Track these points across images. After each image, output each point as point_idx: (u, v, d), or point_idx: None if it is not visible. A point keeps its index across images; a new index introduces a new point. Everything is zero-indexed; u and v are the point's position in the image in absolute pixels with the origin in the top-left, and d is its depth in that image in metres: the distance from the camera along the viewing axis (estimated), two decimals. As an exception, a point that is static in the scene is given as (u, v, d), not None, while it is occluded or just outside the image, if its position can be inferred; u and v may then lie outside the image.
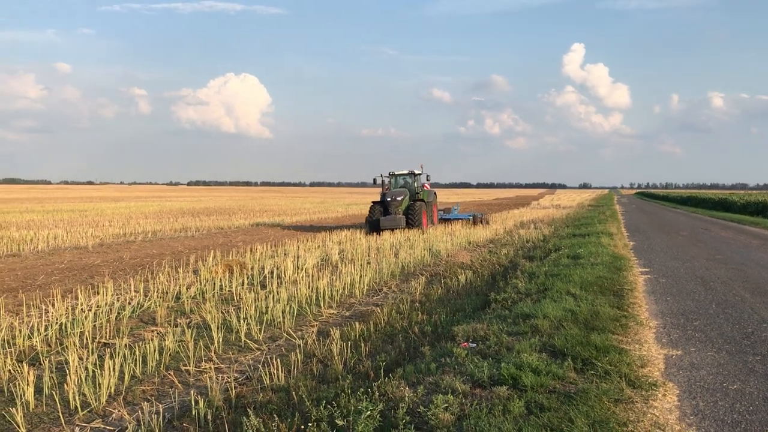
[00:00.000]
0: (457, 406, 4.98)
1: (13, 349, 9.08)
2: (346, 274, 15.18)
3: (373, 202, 30.68)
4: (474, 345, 7.31)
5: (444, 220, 34.69)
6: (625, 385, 5.84)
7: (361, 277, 14.90)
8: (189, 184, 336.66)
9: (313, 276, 15.19)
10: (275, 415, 5.48)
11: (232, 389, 6.71)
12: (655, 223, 35.78)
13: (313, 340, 9.11)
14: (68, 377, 7.31)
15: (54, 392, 7.11)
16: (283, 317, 10.99)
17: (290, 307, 11.81)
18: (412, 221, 28.65)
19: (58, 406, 6.80)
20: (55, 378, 7.66)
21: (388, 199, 29.35)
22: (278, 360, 7.72)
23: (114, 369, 7.75)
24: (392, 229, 28.13)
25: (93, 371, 7.66)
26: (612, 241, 20.12)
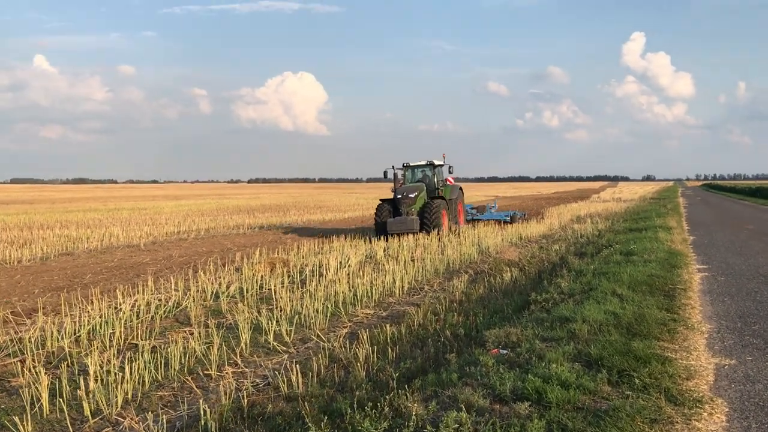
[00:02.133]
0: (470, 426, 4.49)
1: (41, 351, 9.01)
2: (388, 272, 14.77)
3: (381, 200, 25.39)
4: (505, 352, 6.79)
5: (474, 221, 29.92)
6: (665, 401, 5.19)
7: (403, 275, 14.46)
8: (249, 181, 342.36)
9: (354, 274, 14.83)
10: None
11: (244, 398, 6.39)
12: (719, 216, 34.12)
13: (341, 343, 8.73)
14: (87, 382, 7.15)
15: (71, 397, 6.94)
16: (317, 318, 10.66)
17: (325, 306, 11.48)
18: (428, 223, 23.63)
19: (67, 414, 6.60)
20: (77, 381, 7.49)
21: (399, 196, 24.15)
22: (297, 366, 7.35)
23: (134, 373, 7.56)
24: (402, 234, 23.01)
25: (115, 375, 7.47)
26: (670, 236, 19.08)
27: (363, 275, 14.43)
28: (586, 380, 5.42)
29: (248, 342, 9.27)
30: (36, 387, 7.01)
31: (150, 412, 6.68)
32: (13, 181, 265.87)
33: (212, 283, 14.10)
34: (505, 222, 29.13)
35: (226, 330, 10.19)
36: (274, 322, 10.06)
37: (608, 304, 8.52)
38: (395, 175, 26.32)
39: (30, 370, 7.98)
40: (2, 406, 6.94)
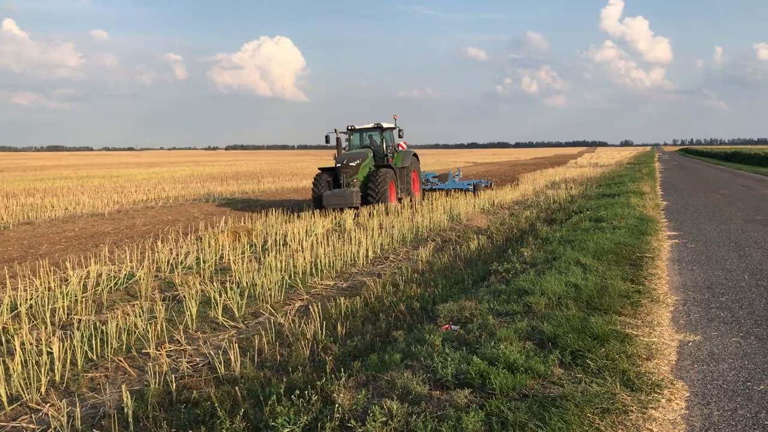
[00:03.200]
0: (401, 419, 4.05)
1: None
2: (355, 240, 14.30)
3: (320, 168, 22.33)
4: (456, 328, 6.36)
5: (432, 191, 27.70)
6: (620, 387, 4.75)
7: (369, 244, 14.00)
8: (227, 148, 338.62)
9: (319, 243, 14.34)
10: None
11: (172, 382, 5.90)
12: (693, 181, 33.98)
13: (291, 318, 8.26)
14: (12, 364, 6.64)
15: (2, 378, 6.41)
16: (274, 290, 10.18)
17: (283, 278, 11.01)
18: (373, 195, 20.85)
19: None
20: (5, 363, 6.97)
21: (338, 164, 21.23)
22: (236, 345, 6.88)
23: (68, 352, 7.07)
24: (341, 209, 20.42)
25: (45, 355, 6.96)
26: (642, 202, 18.74)
27: (328, 245, 13.95)
28: (535, 362, 4.98)
29: (195, 317, 8.78)
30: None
31: (77, 397, 6.23)
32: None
33: (170, 254, 13.55)
34: (467, 191, 27.05)
35: (177, 304, 9.71)
36: (227, 295, 9.57)
37: (570, 274, 8.10)
38: (338, 140, 22.97)
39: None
40: None
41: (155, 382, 6.01)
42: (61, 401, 6.07)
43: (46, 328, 8.52)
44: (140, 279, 11.39)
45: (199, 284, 10.58)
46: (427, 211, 19.82)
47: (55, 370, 6.68)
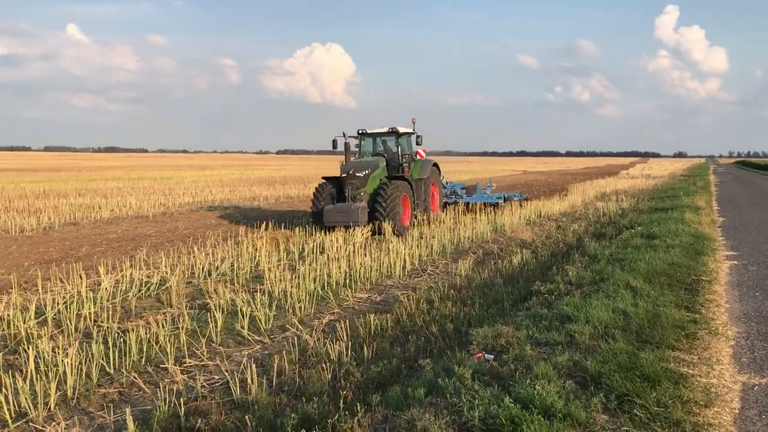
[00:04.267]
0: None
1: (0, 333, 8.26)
2: (392, 251, 13.82)
3: (324, 178, 18.98)
4: (490, 357, 5.82)
5: (455, 204, 24.02)
6: (673, 441, 4.14)
7: (407, 255, 13.51)
8: (278, 152, 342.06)
9: (356, 252, 13.91)
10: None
11: (180, 405, 5.52)
12: (752, 196, 32.41)
13: (318, 335, 7.82)
14: (22, 375, 6.37)
15: (10, 393, 6.14)
16: (305, 302, 9.77)
17: (316, 289, 10.60)
18: (381, 212, 17.02)
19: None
20: (15, 374, 6.72)
21: (344, 174, 17.79)
22: (254, 365, 6.46)
23: (84, 364, 6.78)
24: (345, 227, 17.03)
25: (57, 367, 6.69)
26: (697, 217, 17.73)
27: (366, 254, 13.51)
28: (576, 407, 4.39)
29: (220, 329, 8.44)
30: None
31: (86, 415, 5.91)
32: (47, 149, 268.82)
33: (206, 259, 13.29)
34: (496, 205, 23.93)
35: (205, 313, 9.36)
36: (257, 305, 9.20)
37: (619, 299, 7.45)
38: (347, 145, 19.22)
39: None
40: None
41: (164, 404, 5.64)
42: (68, 420, 5.77)
43: (69, 336, 8.30)
44: (172, 286, 11.14)
45: (229, 293, 10.27)
46: (470, 221, 19.21)
47: (68, 385, 6.39)
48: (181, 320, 8.67)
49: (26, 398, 5.91)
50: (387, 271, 12.49)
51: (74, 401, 6.21)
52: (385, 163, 19.15)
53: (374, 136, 20.39)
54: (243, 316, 8.72)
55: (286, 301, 9.83)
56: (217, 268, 12.70)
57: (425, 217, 19.62)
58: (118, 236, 18.41)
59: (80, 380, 6.62)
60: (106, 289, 10.43)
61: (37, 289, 10.56)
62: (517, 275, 11.32)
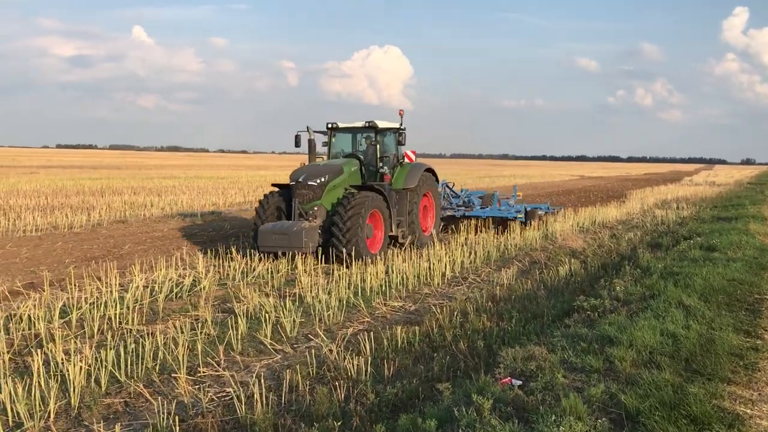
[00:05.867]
0: None
1: (21, 333, 8.07)
2: (435, 256, 13.27)
3: (274, 185, 14.95)
4: (518, 383, 5.24)
5: (465, 218, 19.27)
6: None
7: (449, 261, 12.93)
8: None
9: (397, 256, 13.41)
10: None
11: (176, 425, 5.12)
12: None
13: (338, 350, 7.33)
14: (33, 380, 6.11)
15: (7, 400, 5.89)
16: (334, 309, 9.32)
17: (348, 296, 10.15)
18: (337, 236, 12.92)
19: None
20: (25, 378, 6.47)
21: (292, 182, 13.81)
22: (263, 381, 6.03)
23: (93, 371, 6.50)
24: (283, 253, 13.02)
25: (64, 373, 6.42)
26: (763, 228, 16.54)
27: (406, 259, 13.00)
28: (606, 454, 3.78)
29: (242, 336, 8.07)
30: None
31: (83, 428, 5.59)
32: (111, 147, 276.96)
33: (242, 261, 13.00)
34: (514, 221, 19.06)
35: (232, 317, 8.98)
36: (285, 312, 8.80)
37: (669, 320, 6.72)
38: (311, 143, 15.50)
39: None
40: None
41: (162, 421, 5.26)
42: (63, 433, 5.46)
43: (88, 338, 8.07)
44: (203, 288, 10.88)
45: (258, 297, 9.92)
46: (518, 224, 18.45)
47: (75, 393, 6.09)
48: (205, 325, 8.36)
49: (24, 407, 5.62)
50: (425, 279, 11.96)
51: (75, 412, 5.91)
52: (356, 168, 14.78)
53: (347, 131, 16.01)
54: (267, 323, 8.33)
55: (315, 308, 9.41)
56: (254, 269, 12.40)
57: (412, 240, 15.08)
58: (163, 234, 18.39)
59: (88, 388, 6.34)
60: (137, 288, 10.24)
61: (70, 288, 10.44)
62: (563, 287, 10.63)
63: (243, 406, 5.62)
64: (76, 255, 14.63)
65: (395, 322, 8.94)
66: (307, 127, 15.54)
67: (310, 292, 10.21)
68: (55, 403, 5.83)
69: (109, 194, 30.73)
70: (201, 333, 8.00)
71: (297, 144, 15.54)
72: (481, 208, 19.87)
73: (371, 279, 11.17)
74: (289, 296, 10.21)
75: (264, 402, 5.67)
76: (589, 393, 4.80)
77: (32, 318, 8.35)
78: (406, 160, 15.99)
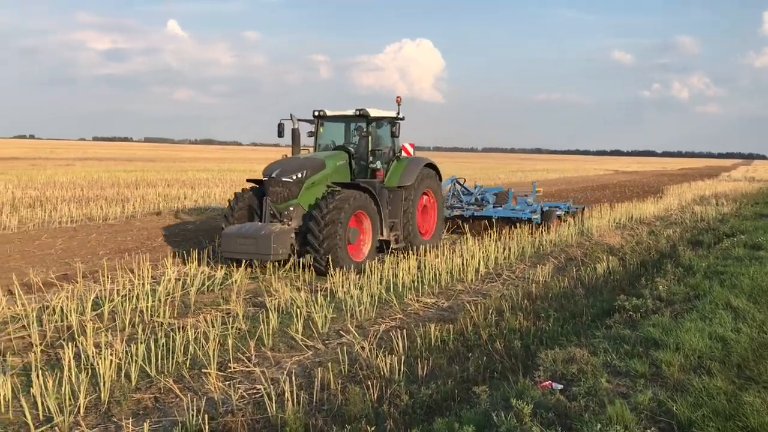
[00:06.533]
0: None
1: (54, 325, 8.06)
2: (467, 252, 13.03)
3: (249, 181, 13.26)
4: (559, 387, 5.01)
5: (475, 219, 17.23)
6: None
7: (483, 257, 12.68)
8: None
9: (431, 252, 13.21)
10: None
11: (205, 423, 5.01)
12: None
13: (370, 347, 7.17)
14: (64, 373, 6.07)
15: (37, 394, 5.84)
16: (366, 305, 9.17)
17: (380, 291, 10.00)
18: (313, 243, 11.32)
19: (11, 417, 5.52)
20: (56, 371, 6.42)
21: (264, 178, 12.20)
22: (294, 379, 5.89)
23: (123, 365, 6.44)
24: (247, 260, 11.68)
25: (93, 368, 6.37)
26: (812, 226, 16.00)
27: (438, 254, 12.78)
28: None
29: (275, 331, 7.96)
30: (10, 376, 6.00)
31: (112, 424, 5.52)
32: (146, 140, 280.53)
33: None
34: (529, 221, 17.10)
35: (263, 311, 8.87)
36: (316, 307, 8.67)
37: (717, 322, 6.42)
38: (295, 132, 13.70)
39: (13, 354, 7.07)
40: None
41: (191, 419, 5.16)
42: (92, 428, 5.39)
43: (119, 331, 8.04)
44: (235, 282, 10.82)
45: (290, 292, 9.82)
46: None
47: (105, 387, 6.03)
48: (234, 319, 8.28)
49: (54, 401, 5.56)
50: (459, 275, 11.74)
51: (105, 407, 5.84)
52: (344, 162, 13.11)
53: (338, 120, 14.19)
54: (298, 319, 8.21)
55: (347, 304, 9.27)
56: (285, 263, 12.30)
57: (408, 245, 13.43)
58: (196, 227, 18.43)
59: (118, 382, 6.28)
60: (169, 280, 10.21)
61: (103, 280, 10.46)
62: (601, 286, 10.33)
63: (273, 404, 5.49)
64: (109, 247, 14.70)
65: (428, 320, 8.77)
66: (291, 115, 13.66)
67: (342, 287, 10.08)
68: (85, 398, 5.77)
69: (143, 186, 30.99)
70: (232, 327, 7.92)
71: (280, 134, 13.70)
72: (494, 207, 18.03)
73: (403, 274, 11.01)
74: (321, 291, 10.09)
75: (295, 401, 5.53)
76: (635, 400, 4.56)
77: (65, 310, 8.34)
78: (404, 153, 14.34)
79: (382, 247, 13.15)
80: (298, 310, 8.45)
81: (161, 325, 8.22)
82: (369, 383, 5.89)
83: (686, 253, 11.96)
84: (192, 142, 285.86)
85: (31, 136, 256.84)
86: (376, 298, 9.67)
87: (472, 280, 11.54)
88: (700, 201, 27.92)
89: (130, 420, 5.44)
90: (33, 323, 7.76)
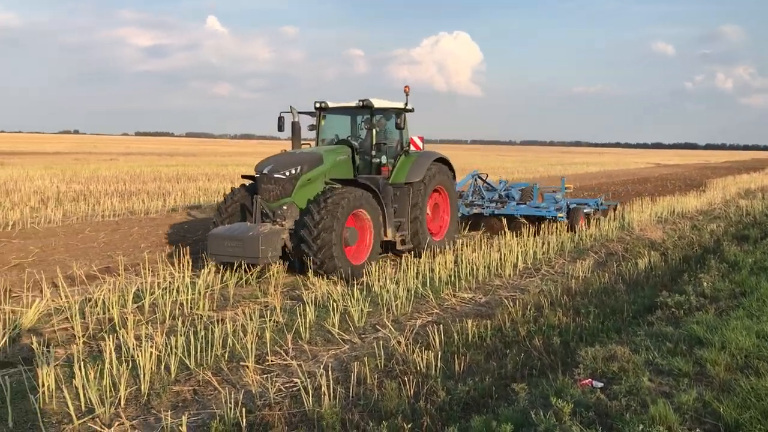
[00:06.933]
0: None
1: (96, 317, 8.22)
2: (505, 246, 12.91)
3: (244, 177, 12.59)
4: (599, 385, 4.91)
5: (494, 217, 16.36)
6: None
7: (521, 251, 12.54)
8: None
9: (468, 246, 13.11)
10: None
11: (242, 417, 5.04)
12: None
13: (408, 342, 7.15)
14: (105, 365, 6.18)
15: (80, 385, 5.95)
16: (402, 299, 9.14)
17: (417, 285, 9.96)
18: (306, 242, 10.38)
19: (55, 408, 5.64)
20: (100, 364, 6.54)
21: (256, 175, 11.43)
22: (330, 373, 5.89)
23: (164, 357, 6.52)
24: (238, 264, 10.54)
25: (132, 361, 6.47)
26: None
27: (476, 248, 12.68)
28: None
29: (311, 324, 7.99)
30: (54, 367, 6.13)
31: (151, 416, 5.60)
32: (188, 135, 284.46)
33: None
34: (552, 221, 15.76)
35: (301, 305, 8.91)
36: (353, 301, 8.68)
37: (765, 320, 6.23)
38: (295, 126, 12.89)
39: (57, 345, 7.22)
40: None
41: (229, 411, 5.20)
42: (132, 420, 5.47)
43: (159, 323, 8.16)
44: (273, 275, 10.89)
45: (327, 285, 9.85)
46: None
47: (144, 379, 6.12)
48: (272, 312, 8.33)
49: (95, 392, 5.66)
50: (496, 269, 11.63)
51: (145, 399, 5.93)
52: (346, 157, 12.13)
53: (341, 112, 13.30)
54: (335, 312, 8.23)
55: (383, 298, 9.26)
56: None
57: (416, 247, 12.53)
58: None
59: (158, 374, 6.37)
60: (209, 273, 10.32)
61: (144, 273, 10.64)
62: (642, 281, 10.13)
63: (310, 398, 5.50)
64: (151, 240, 14.94)
65: (465, 315, 8.71)
66: (291, 107, 12.81)
67: (378, 281, 10.07)
68: (126, 390, 5.86)
69: (184, 181, 31.42)
70: (270, 320, 7.97)
71: (280, 128, 12.95)
72: (518, 204, 16.68)
73: (440, 269, 10.94)
74: (357, 285, 10.10)
75: (331, 395, 5.54)
76: (679, 400, 4.45)
77: (106, 302, 8.49)
78: (413, 146, 13.43)
79: (387, 247, 12.38)
80: (335, 304, 8.47)
81: (200, 318, 8.32)
82: (405, 378, 5.87)
83: (731, 249, 11.65)
84: (232, 137, 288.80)
85: (75, 132, 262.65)
86: (413, 292, 9.64)
87: (510, 275, 11.43)
88: (746, 194, 27.21)
89: (169, 412, 5.51)
90: (76, 315, 7.93)
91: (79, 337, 7.22)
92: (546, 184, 20.16)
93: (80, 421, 5.38)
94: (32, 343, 6.91)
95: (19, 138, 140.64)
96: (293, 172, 11.06)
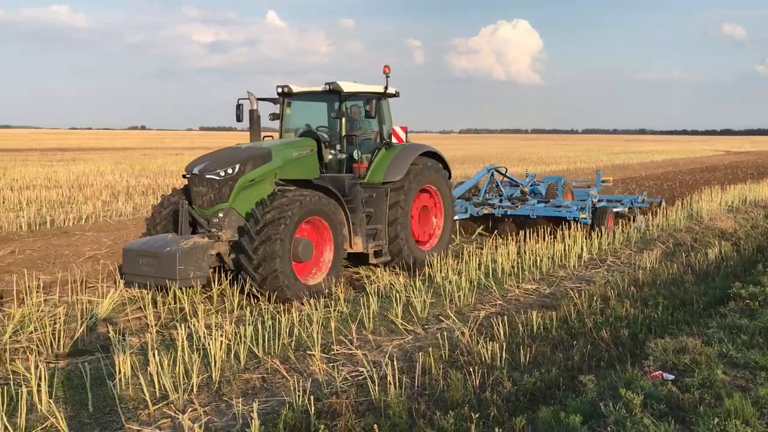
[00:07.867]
0: None
1: (167, 307, 8.50)
2: (570, 237, 12.69)
3: (185, 176, 9.44)
4: (670, 378, 4.81)
5: (507, 218, 14.25)
6: None
7: (586, 242, 12.32)
8: (460, 132, 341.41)
9: (531, 237, 12.94)
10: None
11: (311, 404, 5.13)
12: None
13: (472, 333, 7.14)
14: (177, 353, 6.40)
15: (154, 372, 6.18)
16: (465, 290, 9.12)
17: (479, 276, 9.93)
18: (245, 258, 8.50)
19: (131, 394, 5.87)
20: (173, 352, 6.77)
21: (187, 175, 9.33)
22: (395, 362, 5.94)
23: (234, 346, 6.71)
24: (149, 285, 8.77)
25: (204, 348, 6.67)
26: None
27: (539, 239, 12.52)
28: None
29: (375, 315, 8.06)
30: (130, 355, 6.39)
31: (223, 403, 5.77)
32: (250, 129, 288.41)
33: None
34: (576, 221, 13.43)
35: (365, 296, 8.99)
36: (416, 292, 8.72)
37: None
38: (253, 114, 10.80)
39: (131, 334, 7.52)
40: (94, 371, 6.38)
41: (298, 399, 5.31)
42: (205, 406, 5.65)
43: (230, 312, 8.37)
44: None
45: (389, 276, 9.93)
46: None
47: (215, 367, 6.31)
48: (336, 303, 8.45)
49: (169, 379, 5.88)
50: (560, 261, 11.47)
51: (216, 386, 6.11)
52: (308, 152, 9.99)
53: (307, 98, 11.19)
54: (397, 303, 8.28)
55: (446, 289, 9.26)
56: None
57: (394, 259, 10.59)
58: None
59: (228, 362, 6.55)
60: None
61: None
62: (713, 272, 9.83)
63: (376, 387, 5.57)
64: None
65: (529, 306, 8.63)
66: (248, 93, 10.76)
67: (440, 272, 10.07)
68: (198, 377, 6.05)
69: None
70: (334, 310, 8.09)
71: (238, 117, 10.87)
72: (538, 202, 14.34)
73: (502, 260, 10.86)
74: (419, 276, 10.13)
75: (397, 384, 5.60)
76: (756, 393, 4.32)
77: (177, 292, 8.76)
78: (395, 139, 11.30)
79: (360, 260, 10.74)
80: (398, 295, 8.51)
81: (267, 308, 8.50)
82: (470, 369, 5.88)
83: (810, 238, 11.18)
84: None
85: (143, 127, 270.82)
86: (475, 283, 9.60)
87: (574, 266, 11.25)
88: (824, 182, 25.96)
89: (240, 399, 5.68)
90: (149, 305, 8.22)
91: (152, 326, 7.48)
92: (604, 177, 18.61)
93: (155, 407, 5.59)
94: (108, 332, 7.23)
95: (90, 134, 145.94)
96: (229, 172, 8.95)
